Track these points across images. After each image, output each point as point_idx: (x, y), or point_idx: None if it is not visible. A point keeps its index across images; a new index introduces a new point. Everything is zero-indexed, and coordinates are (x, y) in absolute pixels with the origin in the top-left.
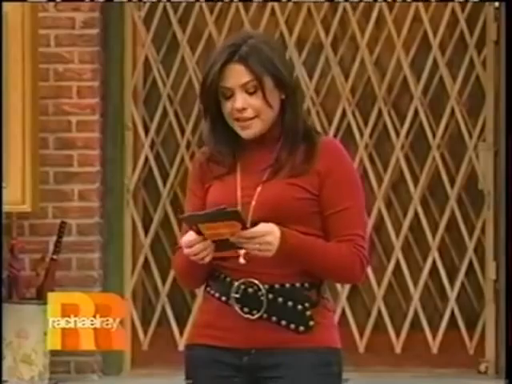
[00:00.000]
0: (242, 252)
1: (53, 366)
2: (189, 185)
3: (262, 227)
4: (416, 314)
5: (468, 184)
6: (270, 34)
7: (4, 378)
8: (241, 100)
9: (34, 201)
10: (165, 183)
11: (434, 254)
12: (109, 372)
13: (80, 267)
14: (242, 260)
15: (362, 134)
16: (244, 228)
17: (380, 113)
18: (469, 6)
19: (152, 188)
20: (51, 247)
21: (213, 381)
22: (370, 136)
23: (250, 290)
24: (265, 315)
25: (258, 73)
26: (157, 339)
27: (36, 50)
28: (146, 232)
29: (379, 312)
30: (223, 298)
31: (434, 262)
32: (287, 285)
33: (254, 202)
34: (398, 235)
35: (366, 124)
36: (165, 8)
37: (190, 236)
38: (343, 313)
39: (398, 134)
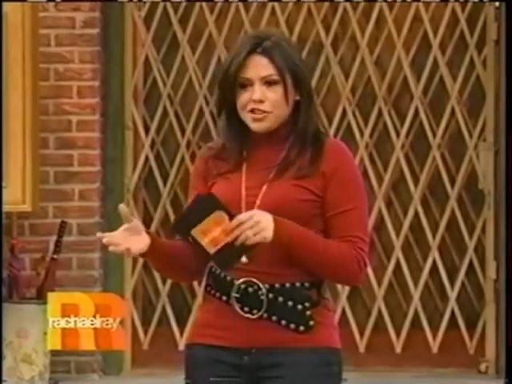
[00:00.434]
0: None
1: (53, 365)
2: (191, 181)
3: (246, 212)
4: (416, 313)
5: (468, 184)
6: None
7: (4, 377)
8: (260, 92)
9: (35, 200)
10: (165, 183)
11: (435, 253)
12: (109, 372)
13: (80, 267)
14: (244, 259)
15: (362, 134)
16: (231, 218)
17: (380, 112)
18: (469, 5)
19: (152, 188)
20: (51, 247)
21: (212, 380)
22: (371, 136)
23: (251, 289)
24: (265, 315)
25: (281, 67)
26: (157, 339)
27: (36, 49)
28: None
29: (379, 312)
30: (223, 298)
31: (434, 262)
32: (287, 284)
33: (258, 202)
34: (398, 235)
35: (366, 124)
36: (165, 8)
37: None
38: (343, 312)
39: (398, 133)
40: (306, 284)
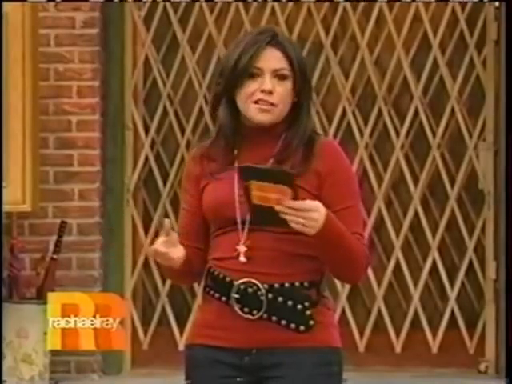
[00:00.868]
0: (243, 250)
1: (53, 365)
2: (183, 184)
3: (311, 202)
4: (416, 313)
5: (468, 184)
6: None
7: (4, 377)
8: (270, 83)
9: (34, 200)
10: (165, 183)
11: (434, 253)
12: (109, 372)
13: (80, 267)
14: (242, 258)
15: (362, 134)
16: (294, 199)
17: (380, 112)
18: (469, 5)
19: (152, 188)
20: (51, 247)
21: (213, 381)
22: (370, 136)
23: (250, 289)
24: (265, 315)
25: (293, 61)
26: (157, 339)
27: (36, 49)
28: (146, 232)
29: (379, 312)
30: (223, 299)
31: (434, 262)
32: (287, 284)
33: None
34: (398, 235)
35: (366, 124)
36: (165, 8)
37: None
38: (343, 312)
39: (398, 133)
40: (306, 283)
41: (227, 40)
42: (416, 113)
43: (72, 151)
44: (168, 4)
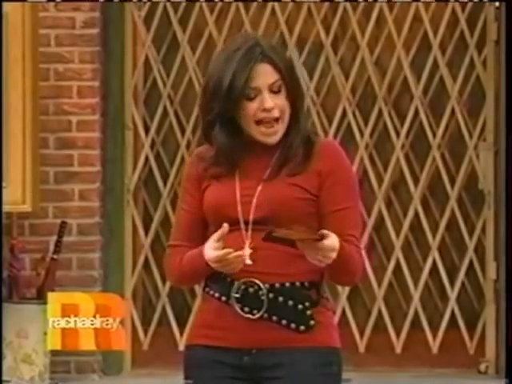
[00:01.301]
0: (248, 253)
1: (53, 365)
2: (184, 184)
3: (332, 242)
4: (416, 313)
5: (468, 184)
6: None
7: (4, 377)
8: (269, 99)
9: (35, 200)
10: (165, 183)
11: (435, 253)
12: (109, 372)
13: (80, 267)
14: (248, 261)
15: (362, 134)
16: (313, 235)
17: (380, 113)
18: (469, 5)
19: (152, 188)
20: (51, 247)
21: (213, 381)
22: (371, 136)
23: (251, 289)
24: (265, 315)
25: (284, 72)
26: (157, 339)
27: (36, 49)
28: (147, 232)
29: (379, 312)
30: (223, 298)
31: (434, 262)
32: (287, 284)
33: (254, 201)
34: (398, 235)
35: (366, 124)
36: (165, 8)
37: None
38: (343, 313)
39: (398, 133)
40: (306, 284)
41: (227, 40)
42: (416, 113)
43: (72, 151)
44: (168, 4)
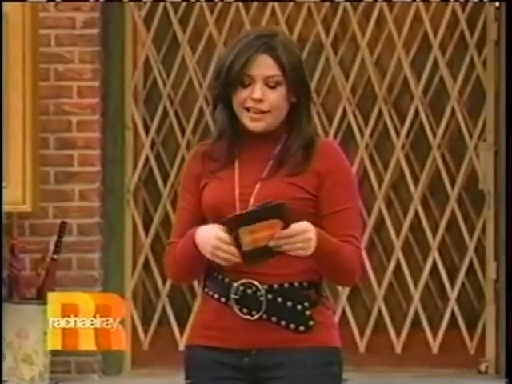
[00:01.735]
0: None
1: (53, 365)
2: (183, 182)
3: (302, 224)
4: (416, 313)
5: (468, 184)
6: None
7: (4, 377)
8: (261, 91)
9: (35, 201)
10: (165, 183)
11: (435, 253)
12: (109, 372)
13: (80, 267)
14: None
15: (362, 134)
16: (285, 227)
17: (380, 113)
18: (469, 5)
19: (152, 188)
20: (52, 247)
21: (213, 382)
22: (371, 136)
23: (249, 290)
24: (264, 316)
25: (287, 68)
26: (157, 339)
27: (36, 49)
28: (147, 232)
29: (379, 312)
30: (222, 299)
31: (434, 262)
32: (286, 285)
33: (252, 200)
34: (398, 235)
35: (366, 124)
36: (165, 8)
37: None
38: (343, 313)
39: (398, 133)
40: (305, 284)
41: (227, 40)
42: (416, 113)
43: (72, 151)
44: (168, 4)
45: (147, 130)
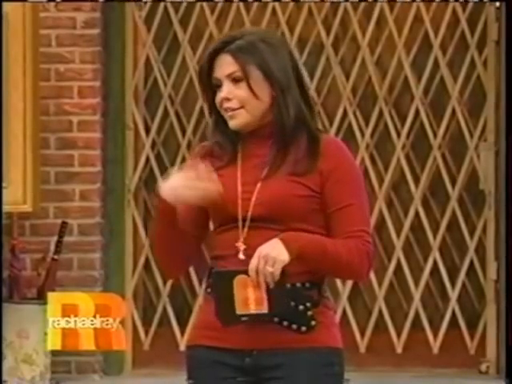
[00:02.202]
0: (242, 248)
1: (54, 365)
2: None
3: (254, 257)
4: (417, 313)
5: (469, 184)
6: (274, 33)
7: (5, 378)
8: (226, 90)
9: (35, 201)
10: None
11: (435, 253)
12: (110, 372)
13: (81, 267)
14: (241, 256)
15: (363, 134)
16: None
17: (381, 113)
18: (470, 6)
19: (153, 188)
20: (52, 247)
21: (214, 382)
22: (371, 136)
23: None
24: None
25: (244, 62)
26: (158, 339)
27: (37, 49)
28: (147, 232)
29: (380, 312)
30: None
31: (434, 262)
32: (288, 285)
33: (253, 198)
34: (398, 235)
35: (367, 124)
36: (166, 8)
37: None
38: (344, 313)
39: (398, 133)
40: (307, 284)
41: None
42: (417, 113)
43: (73, 151)
44: (169, 4)
45: (148, 130)
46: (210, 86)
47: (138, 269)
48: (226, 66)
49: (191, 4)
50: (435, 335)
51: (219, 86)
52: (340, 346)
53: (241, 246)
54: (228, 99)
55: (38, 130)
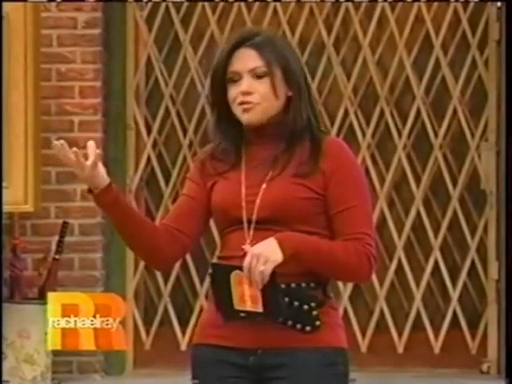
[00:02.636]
0: (247, 245)
1: (55, 365)
2: (188, 176)
3: (247, 258)
4: (418, 313)
5: (470, 184)
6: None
7: (6, 377)
8: (247, 83)
9: (36, 201)
10: (167, 183)
11: (436, 253)
12: (111, 372)
13: (82, 267)
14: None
15: (364, 134)
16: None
17: (382, 113)
18: (471, 6)
19: (154, 188)
20: (53, 247)
21: (218, 381)
22: (372, 136)
23: None
24: None
25: (269, 59)
26: (159, 339)
27: (38, 49)
28: None
29: (381, 312)
30: None
31: (436, 262)
32: (293, 285)
33: (258, 201)
34: (400, 235)
35: (368, 124)
36: (167, 8)
37: None
38: (345, 313)
39: (400, 133)
40: (312, 284)
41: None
42: (418, 113)
43: None
44: (170, 4)
45: (149, 130)
46: (222, 81)
47: (139, 269)
48: (250, 60)
49: (192, 4)
50: (436, 335)
51: (235, 80)
52: (344, 346)
53: (248, 248)
54: (249, 93)
55: (39, 130)
